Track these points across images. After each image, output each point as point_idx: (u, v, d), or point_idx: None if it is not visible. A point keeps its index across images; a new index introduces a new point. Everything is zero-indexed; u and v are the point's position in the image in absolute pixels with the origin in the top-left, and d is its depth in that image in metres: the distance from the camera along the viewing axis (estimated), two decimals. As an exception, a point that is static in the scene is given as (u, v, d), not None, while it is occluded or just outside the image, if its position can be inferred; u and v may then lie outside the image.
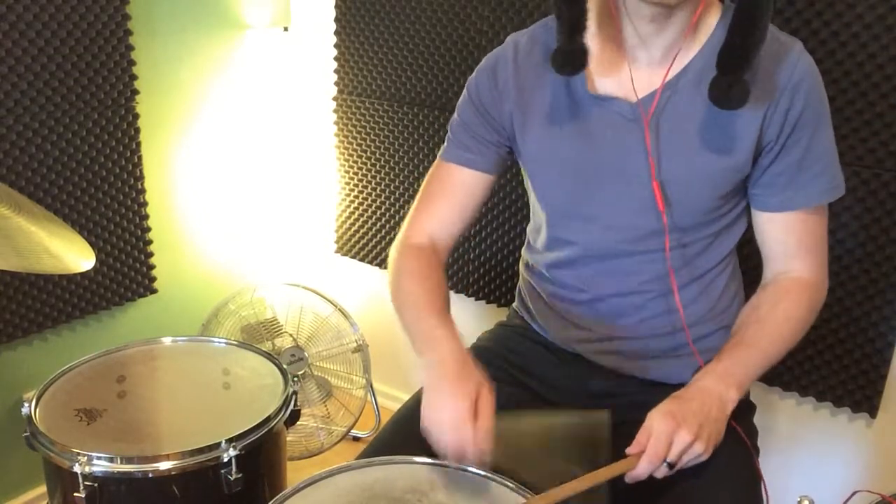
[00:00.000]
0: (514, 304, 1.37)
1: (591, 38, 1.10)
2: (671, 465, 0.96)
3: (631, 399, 1.18)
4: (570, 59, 1.05)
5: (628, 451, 0.97)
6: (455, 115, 1.24)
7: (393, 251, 1.22)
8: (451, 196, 1.23)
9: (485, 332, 1.37)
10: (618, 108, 1.10)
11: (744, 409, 1.18)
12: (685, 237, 1.13)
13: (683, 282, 1.16)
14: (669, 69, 1.07)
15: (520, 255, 1.36)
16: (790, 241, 1.12)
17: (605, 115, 1.10)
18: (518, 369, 1.26)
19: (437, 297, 1.14)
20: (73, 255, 1.17)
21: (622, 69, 1.10)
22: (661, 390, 1.08)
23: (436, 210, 1.23)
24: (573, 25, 1.04)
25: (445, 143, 1.24)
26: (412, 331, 1.12)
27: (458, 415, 0.95)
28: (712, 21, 1.08)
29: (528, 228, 1.31)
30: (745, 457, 1.09)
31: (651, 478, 0.97)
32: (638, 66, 1.09)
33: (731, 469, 1.06)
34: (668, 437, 0.95)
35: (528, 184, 1.25)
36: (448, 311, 1.14)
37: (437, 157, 1.25)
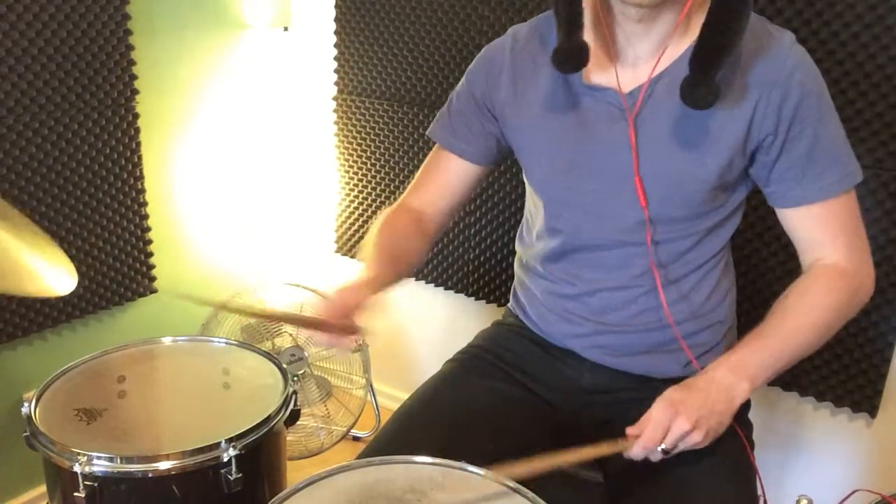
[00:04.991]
0: (510, 303, 1.38)
1: (587, 35, 1.11)
2: (666, 452, 0.98)
3: (623, 395, 1.19)
4: (570, 56, 1.06)
5: (629, 431, 1.00)
6: (453, 99, 1.27)
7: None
8: (439, 179, 1.27)
9: (482, 331, 1.38)
10: (609, 99, 1.10)
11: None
12: (672, 232, 1.13)
13: (671, 278, 1.16)
14: (655, 66, 1.07)
15: (509, 252, 1.38)
16: (816, 232, 1.11)
17: (597, 105, 1.11)
18: (514, 368, 1.27)
19: (391, 241, 1.17)
20: (53, 272, 1.14)
21: (618, 62, 1.10)
22: (654, 385, 1.09)
23: (425, 188, 1.28)
24: (570, 23, 1.05)
25: (440, 124, 1.27)
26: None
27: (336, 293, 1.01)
28: (702, 17, 1.07)
29: (522, 225, 1.33)
30: (741, 450, 1.10)
31: (645, 465, 0.99)
32: (627, 64, 1.09)
33: (726, 461, 1.06)
34: (666, 425, 0.97)
35: (524, 175, 1.26)
36: (389, 249, 1.17)
37: (432, 137, 1.29)
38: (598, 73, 1.11)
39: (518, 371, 1.26)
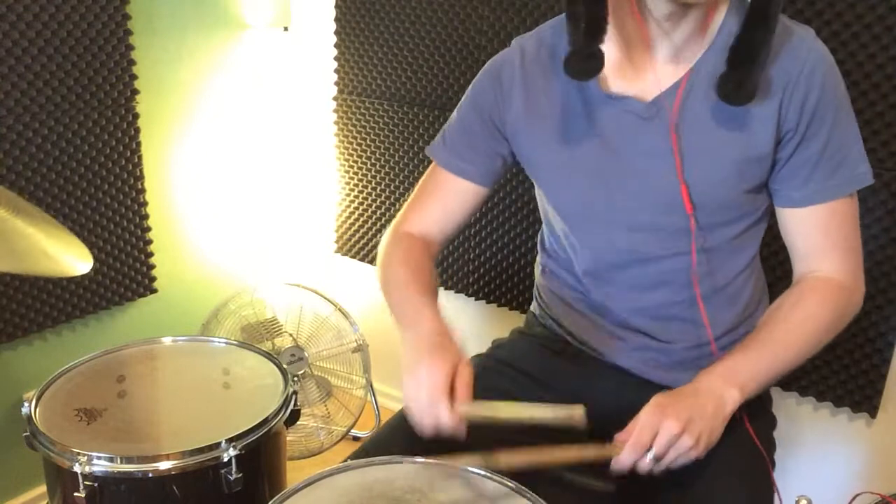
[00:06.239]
0: (534, 310, 1.33)
1: (605, 39, 1.09)
2: (658, 459, 0.94)
3: None
4: (586, 63, 1.02)
5: (617, 436, 0.96)
6: (455, 116, 1.22)
7: (384, 238, 1.23)
8: (442, 200, 1.22)
9: (502, 340, 1.33)
10: (632, 108, 1.08)
11: (764, 421, 1.16)
12: (710, 239, 1.10)
13: (711, 289, 1.13)
14: (690, 69, 1.05)
15: (522, 256, 1.35)
16: (817, 238, 1.09)
17: (618, 114, 1.08)
18: (543, 386, 1.21)
19: (422, 278, 1.13)
20: (70, 257, 1.17)
21: (636, 68, 1.08)
22: None
23: (428, 211, 1.23)
24: (593, 27, 1.01)
25: (440, 144, 1.22)
26: (397, 310, 1.12)
27: (433, 388, 0.94)
28: (719, 17, 1.06)
29: (545, 235, 1.28)
30: (762, 468, 1.07)
31: (657, 479, 0.96)
32: (652, 66, 1.07)
33: (745, 479, 1.04)
34: (654, 428, 0.94)
35: (541, 192, 1.22)
36: (433, 291, 1.13)
37: (431, 158, 1.24)
38: (618, 80, 1.09)
39: (551, 392, 1.20)
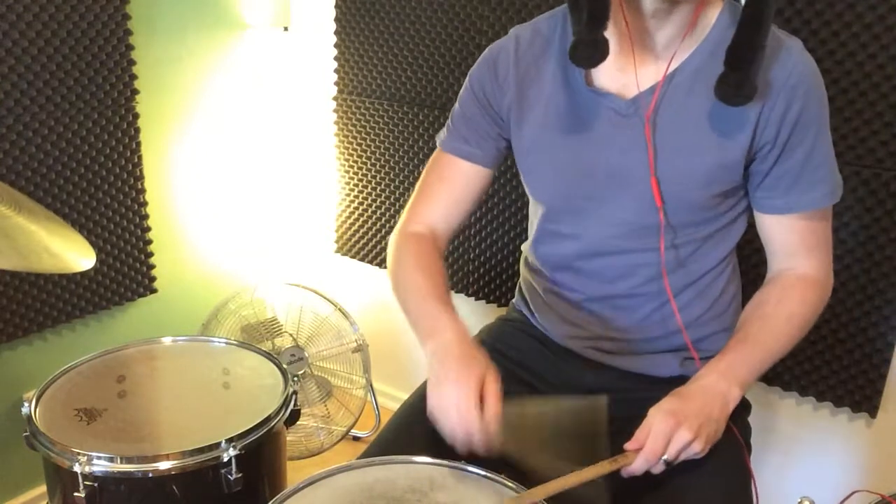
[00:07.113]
0: (514, 300, 1.37)
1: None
2: (668, 463, 0.97)
3: (626, 395, 1.18)
4: (592, 51, 1.03)
5: (627, 446, 0.98)
6: (456, 105, 1.24)
7: (392, 239, 1.23)
8: (449, 187, 1.23)
9: (485, 327, 1.38)
10: (612, 104, 1.09)
11: (738, 408, 1.19)
12: (680, 236, 1.13)
13: (679, 284, 1.15)
14: (669, 66, 1.07)
15: (519, 254, 1.37)
16: (794, 241, 1.12)
17: (600, 109, 1.10)
18: (516, 364, 1.26)
19: (437, 283, 1.14)
20: (73, 253, 1.17)
21: (620, 65, 1.09)
22: (657, 385, 1.09)
23: (435, 200, 1.24)
24: (596, 16, 1.02)
25: (445, 132, 1.25)
26: (414, 317, 1.12)
27: (463, 402, 0.95)
28: (711, 17, 1.07)
29: (529, 225, 1.31)
30: (738, 454, 1.09)
31: (645, 472, 0.98)
32: (636, 62, 1.08)
33: (722, 466, 1.06)
34: (667, 436, 0.96)
35: (523, 179, 1.24)
36: (447, 293, 1.14)
37: (437, 146, 1.25)
38: (602, 75, 1.10)
39: (520, 368, 1.26)
